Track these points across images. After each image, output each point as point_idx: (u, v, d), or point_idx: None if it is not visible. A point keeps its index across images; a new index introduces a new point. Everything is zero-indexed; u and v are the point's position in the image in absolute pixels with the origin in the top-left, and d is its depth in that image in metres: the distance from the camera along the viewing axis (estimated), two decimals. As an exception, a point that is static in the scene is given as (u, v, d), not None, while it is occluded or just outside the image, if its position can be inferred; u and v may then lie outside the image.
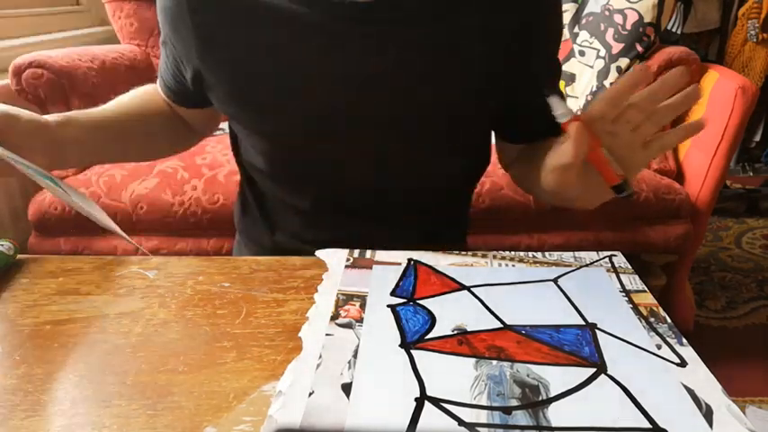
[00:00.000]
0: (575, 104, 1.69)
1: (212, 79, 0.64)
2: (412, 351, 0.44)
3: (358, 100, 0.61)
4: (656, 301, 0.52)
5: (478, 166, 0.78)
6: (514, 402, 0.39)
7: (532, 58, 0.64)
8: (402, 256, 0.59)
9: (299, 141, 0.66)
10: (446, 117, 0.64)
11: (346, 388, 0.40)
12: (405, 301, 0.51)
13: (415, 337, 0.46)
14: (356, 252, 0.60)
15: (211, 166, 1.37)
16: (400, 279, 0.55)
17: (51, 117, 0.60)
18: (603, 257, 0.60)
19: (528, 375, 0.42)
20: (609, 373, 0.42)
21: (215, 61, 0.63)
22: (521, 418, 0.38)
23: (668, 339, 0.46)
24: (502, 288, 0.54)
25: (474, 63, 0.61)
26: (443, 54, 0.60)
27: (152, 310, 0.51)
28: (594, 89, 1.64)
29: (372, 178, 0.69)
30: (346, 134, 0.64)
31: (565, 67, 1.62)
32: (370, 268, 0.57)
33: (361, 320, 0.48)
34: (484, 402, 0.39)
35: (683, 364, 0.43)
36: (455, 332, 0.47)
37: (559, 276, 0.56)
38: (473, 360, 0.43)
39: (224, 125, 0.90)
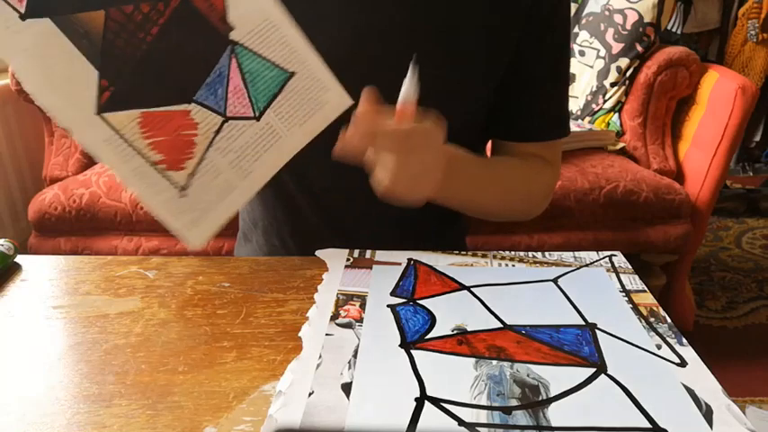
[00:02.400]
0: (575, 104, 1.68)
1: None
2: (412, 351, 0.44)
3: (363, 50, 0.62)
4: (656, 301, 0.52)
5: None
6: (514, 402, 0.39)
7: (539, 43, 0.65)
8: (402, 256, 0.59)
9: None
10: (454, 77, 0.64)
11: (346, 388, 0.40)
12: (405, 301, 0.51)
13: (415, 337, 0.46)
14: (356, 252, 0.60)
15: (211, 166, 1.37)
16: (400, 279, 0.55)
17: None
18: (603, 257, 0.60)
19: (528, 375, 0.42)
20: (609, 373, 0.42)
21: None
22: (521, 418, 0.38)
23: (668, 339, 0.46)
24: (502, 288, 0.54)
25: (481, 29, 0.62)
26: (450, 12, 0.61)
27: (152, 310, 0.51)
28: (594, 89, 1.64)
29: None
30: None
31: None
32: (370, 268, 0.57)
33: (361, 320, 0.48)
34: (484, 402, 0.39)
35: (683, 364, 0.43)
36: (455, 332, 0.47)
37: (559, 276, 0.56)
38: (473, 360, 0.43)
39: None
